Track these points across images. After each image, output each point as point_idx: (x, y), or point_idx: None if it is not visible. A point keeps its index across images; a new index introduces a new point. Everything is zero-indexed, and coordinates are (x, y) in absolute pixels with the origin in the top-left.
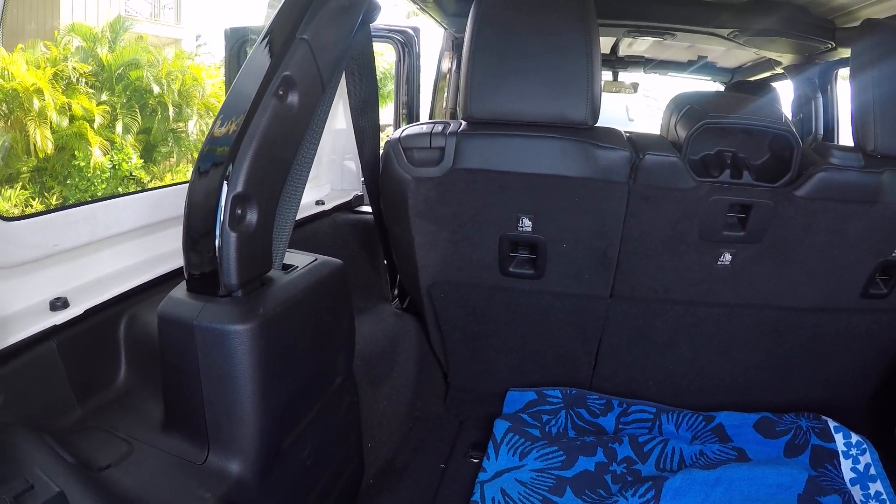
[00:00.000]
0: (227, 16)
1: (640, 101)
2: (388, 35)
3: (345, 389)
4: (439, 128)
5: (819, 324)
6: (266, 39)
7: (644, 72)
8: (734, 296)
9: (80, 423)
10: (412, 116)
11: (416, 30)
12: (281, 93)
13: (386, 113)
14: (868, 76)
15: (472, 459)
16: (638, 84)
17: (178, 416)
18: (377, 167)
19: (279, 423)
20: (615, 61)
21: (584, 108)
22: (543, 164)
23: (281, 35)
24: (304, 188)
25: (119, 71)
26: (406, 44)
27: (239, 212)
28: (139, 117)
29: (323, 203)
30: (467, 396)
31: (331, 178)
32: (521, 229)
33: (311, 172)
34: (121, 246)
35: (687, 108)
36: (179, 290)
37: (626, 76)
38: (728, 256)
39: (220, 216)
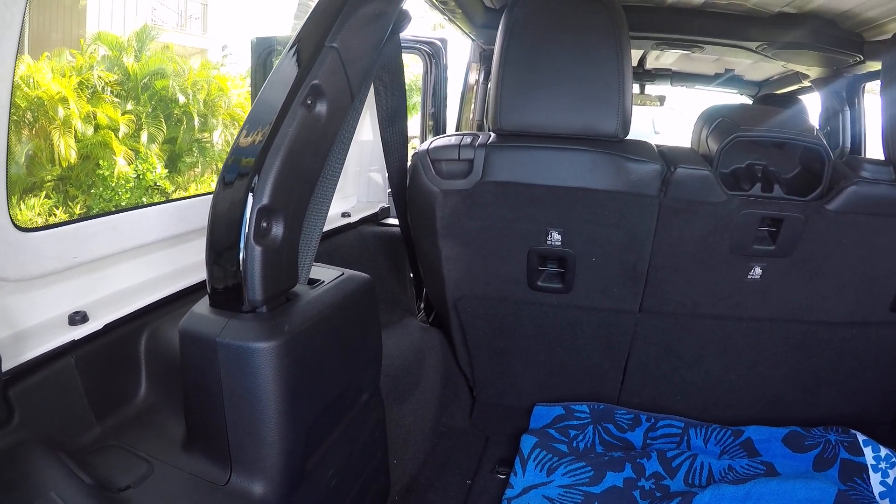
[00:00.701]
0: (252, 26)
1: (665, 114)
2: (415, 46)
3: (371, 406)
4: (468, 140)
5: (848, 338)
6: (294, 47)
7: (671, 84)
8: (763, 310)
9: (98, 442)
10: (439, 128)
11: (443, 41)
12: (309, 102)
13: (413, 124)
14: None
15: (498, 475)
16: (665, 97)
17: (199, 435)
18: (404, 179)
19: (304, 443)
20: (642, 74)
21: (615, 121)
22: (573, 176)
23: (310, 43)
24: (331, 200)
25: (144, 80)
26: (433, 55)
27: (264, 225)
28: (164, 127)
29: (349, 215)
30: (494, 411)
31: (357, 189)
32: (549, 243)
33: (337, 184)
34: (143, 258)
35: (718, 121)
36: (202, 306)
37: (652, 89)
38: (758, 270)
39: (245, 229)
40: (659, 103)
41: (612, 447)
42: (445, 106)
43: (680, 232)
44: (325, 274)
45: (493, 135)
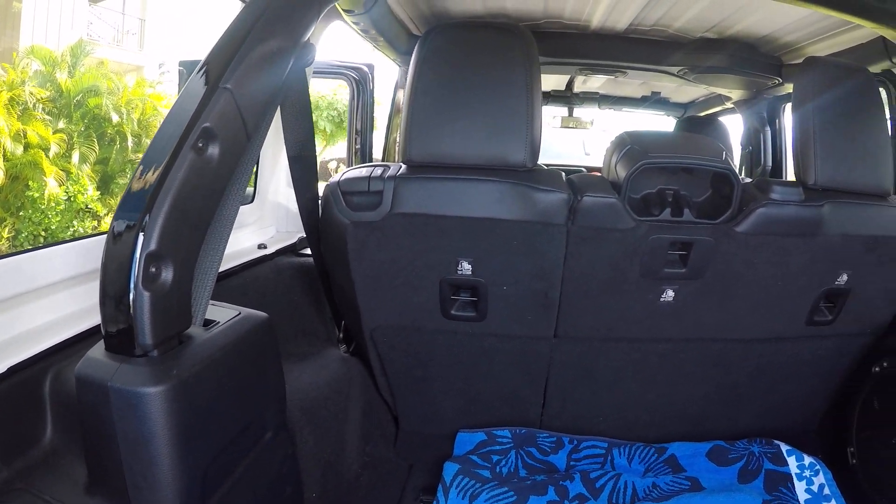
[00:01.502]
0: (192, 43)
1: (597, 136)
2: (341, 72)
3: (278, 443)
4: (378, 171)
5: (765, 353)
6: (188, 89)
7: (599, 107)
8: (678, 331)
9: (6, 485)
10: (365, 154)
11: (370, 66)
12: (200, 145)
13: (341, 149)
14: (809, 111)
15: (422, 503)
16: (593, 120)
17: (100, 478)
18: (315, 211)
19: (202, 484)
20: (571, 97)
21: (524, 151)
22: (481, 207)
23: (204, 84)
24: (226, 242)
25: (78, 97)
26: (360, 80)
27: (153, 270)
28: (97, 147)
29: (265, 247)
30: (417, 439)
31: (276, 220)
32: (460, 272)
33: (255, 215)
34: (47, 298)
35: (627, 149)
36: (97, 350)
37: (581, 112)
38: (671, 293)
39: (134, 275)
40: (588, 126)
41: (535, 471)
42: (372, 131)
43: (590, 259)
44: (222, 314)
45: (403, 166)
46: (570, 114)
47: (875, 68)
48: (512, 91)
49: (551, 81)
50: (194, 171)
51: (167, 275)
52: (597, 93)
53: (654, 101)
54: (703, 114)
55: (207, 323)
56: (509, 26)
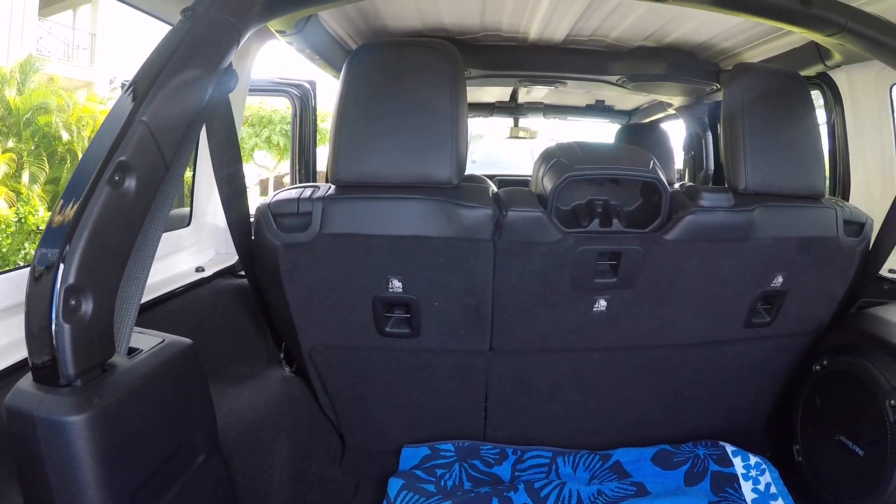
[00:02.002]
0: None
1: (545, 145)
2: (282, 89)
3: (210, 467)
4: (307, 192)
5: (705, 357)
6: (107, 121)
7: (544, 117)
8: (614, 339)
9: None
10: (308, 170)
11: (311, 83)
12: (116, 178)
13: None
14: (738, 117)
15: None
16: (537, 132)
17: None
18: (248, 234)
19: None
20: (515, 108)
21: (449, 168)
22: (408, 225)
23: (120, 118)
24: (148, 271)
25: (27, 115)
26: (302, 97)
27: (73, 303)
28: (47, 166)
29: (203, 269)
30: (363, 457)
31: (215, 242)
32: (391, 290)
33: (192, 238)
34: None
35: (553, 162)
36: (26, 381)
37: (527, 122)
38: (603, 303)
39: (54, 308)
40: (534, 136)
41: (479, 483)
42: (316, 146)
43: (518, 272)
44: (146, 342)
45: (332, 187)
46: (516, 124)
47: (810, 71)
48: (437, 109)
49: (496, 93)
50: (111, 205)
51: (87, 307)
52: (541, 103)
53: (598, 109)
54: (646, 120)
55: (132, 351)
56: (435, 44)
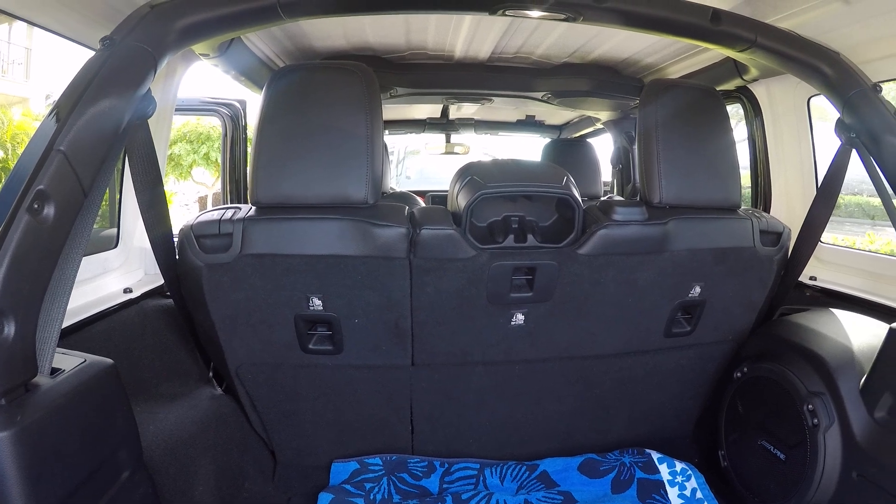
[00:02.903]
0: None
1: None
2: (212, 108)
3: (135, 482)
4: (229, 214)
5: (626, 367)
6: (27, 150)
7: (475, 133)
8: (533, 352)
9: None
10: (239, 190)
11: (242, 102)
12: (35, 206)
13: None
14: (652, 133)
15: None
16: (469, 147)
17: None
18: (171, 255)
19: None
20: (446, 124)
21: (364, 188)
22: (325, 245)
23: (39, 146)
24: (69, 293)
25: None
26: (232, 116)
27: None
28: None
29: (131, 290)
30: (294, 472)
31: (143, 263)
32: (312, 308)
33: (120, 259)
34: None
35: (468, 180)
36: None
37: (459, 137)
38: (520, 317)
39: None
40: (466, 151)
41: (408, 496)
42: (247, 165)
43: (435, 288)
44: (69, 362)
45: (253, 208)
46: (448, 140)
47: (729, 85)
48: (352, 131)
49: (427, 110)
50: (30, 232)
51: (9, 329)
52: (472, 119)
53: (529, 124)
54: (576, 135)
55: (55, 371)
56: (351, 66)
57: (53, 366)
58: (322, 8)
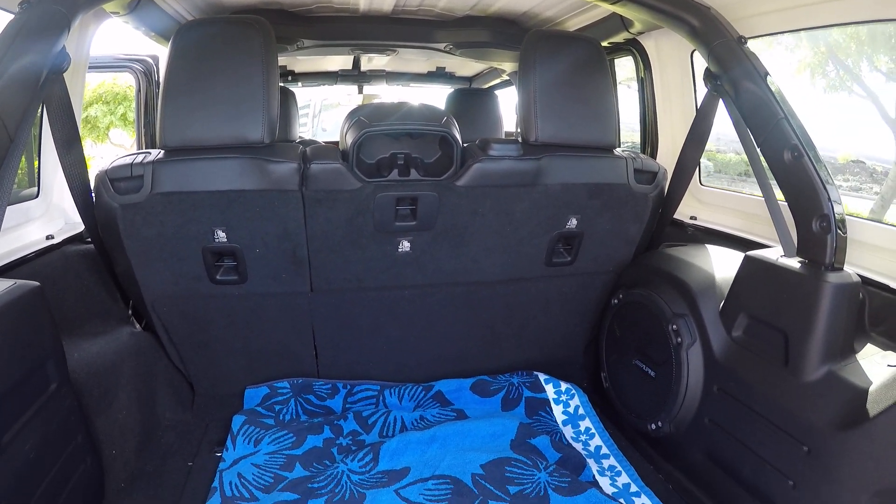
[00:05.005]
0: None
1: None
2: (125, 65)
3: (62, 395)
4: (140, 157)
5: (510, 293)
6: None
7: (387, 84)
8: (421, 278)
9: None
10: (154, 143)
11: (155, 58)
12: None
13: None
14: (530, 77)
15: (216, 455)
16: (381, 97)
17: None
18: (89, 199)
19: None
20: (358, 76)
21: (261, 129)
22: (227, 181)
23: None
24: None
25: None
26: (145, 72)
27: None
28: None
29: (53, 237)
30: (212, 401)
31: (63, 212)
32: (217, 241)
33: (41, 208)
34: None
35: (355, 121)
36: None
37: (371, 89)
38: (406, 244)
39: None
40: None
41: (314, 415)
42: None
43: (327, 218)
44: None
45: (161, 152)
46: (360, 91)
47: (619, 38)
48: (250, 79)
49: (339, 62)
50: None
51: None
52: (383, 70)
53: (439, 75)
54: (486, 86)
55: None
56: (249, 20)
57: None
58: None
